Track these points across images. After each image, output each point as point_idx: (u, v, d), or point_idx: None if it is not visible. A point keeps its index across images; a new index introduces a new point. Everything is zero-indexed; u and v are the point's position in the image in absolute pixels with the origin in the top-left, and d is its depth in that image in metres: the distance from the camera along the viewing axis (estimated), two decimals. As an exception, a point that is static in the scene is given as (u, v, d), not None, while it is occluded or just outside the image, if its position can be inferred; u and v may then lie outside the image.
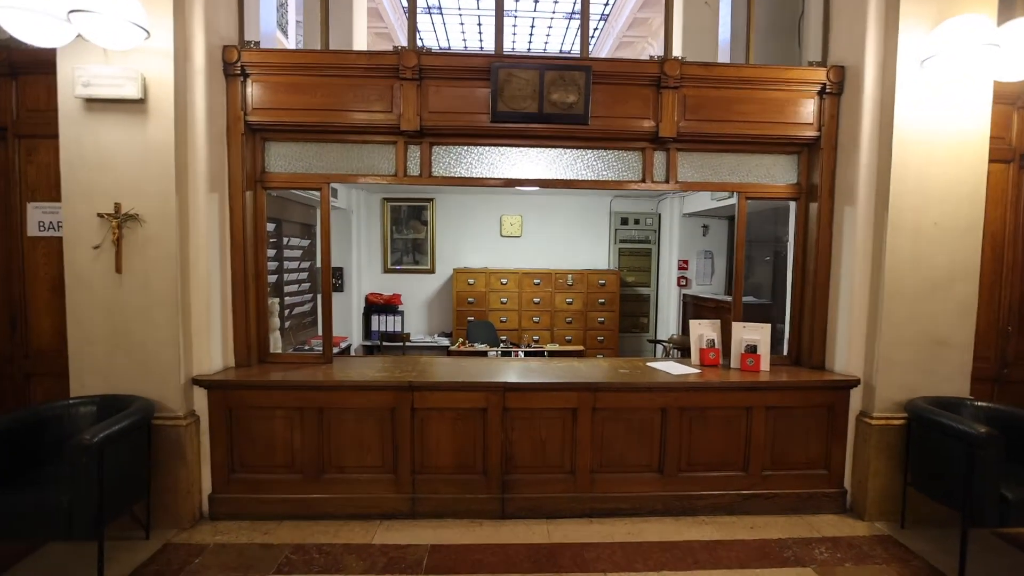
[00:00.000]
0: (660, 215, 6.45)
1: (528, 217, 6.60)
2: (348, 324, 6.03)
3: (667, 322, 6.30)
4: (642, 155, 3.12)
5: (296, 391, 2.66)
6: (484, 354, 4.07)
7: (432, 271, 6.62)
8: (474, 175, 3.03)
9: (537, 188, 5.76)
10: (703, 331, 3.31)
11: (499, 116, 2.86)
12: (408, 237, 6.60)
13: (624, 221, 6.46)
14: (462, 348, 4.12)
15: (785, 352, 3.32)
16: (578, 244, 6.63)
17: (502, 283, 6.03)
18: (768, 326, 3.16)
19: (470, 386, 2.71)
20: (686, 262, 6.12)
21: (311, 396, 2.66)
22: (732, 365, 3.18)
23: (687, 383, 2.84)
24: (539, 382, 2.76)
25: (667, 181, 3.14)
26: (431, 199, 6.54)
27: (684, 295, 6.15)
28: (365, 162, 2.97)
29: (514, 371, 2.95)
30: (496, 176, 3.05)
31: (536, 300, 6.04)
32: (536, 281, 6.05)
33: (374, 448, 2.72)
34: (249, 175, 2.86)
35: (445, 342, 6.18)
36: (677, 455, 2.86)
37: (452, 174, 3.02)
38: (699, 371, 3.07)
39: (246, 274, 2.86)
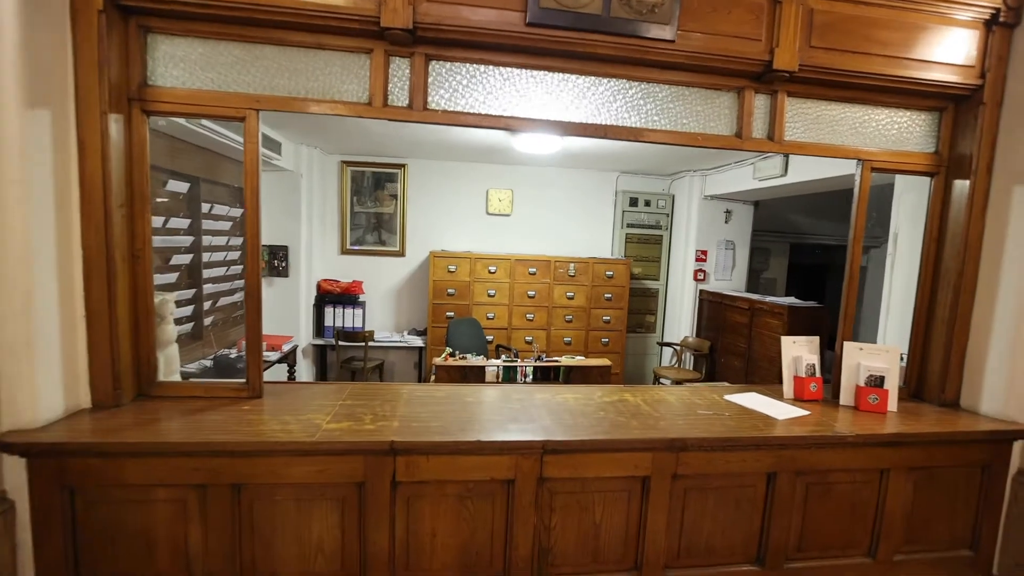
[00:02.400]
0: (674, 196, 5.58)
1: (520, 192, 5.57)
2: (295, 317, 4.85)
3: (678, 321, 5.48)
4: (738, 99, 2.18)
5: (194, 457, 1.57)
6: (481, 372, 3.09)
7: (402, 254, 5.50)
8: (493, 112, 1.99)
9: (534, 156, 4.80)
10: (800, 352, 2.43)
11: (541, 16, 1.82)
12: (373, 211, 5.44)
13: (633, 202, 5.55)
14: (450, 362, 3.11)
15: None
16: (577, 227, 5.67)
17: (490, 271, 5.00)
18: (898, 350, 2.31)
19: (491, 447, 1.71)
20: (705, 253, 5.29)
21: (221, 465, 1.59)
22: (843, 402, 2.33)
23: (810, 437, 1.95)
24: (596, 439, 1.79)
25: (771, 139, 2.21)
26: (402, 164, 5.38)
27: (701, 291, 5.33)
28: (320, 81, 1.89)
29: (545, 412, 1.97)
30: (527, 116, 2.01)
31: (531, 293, 5.06)
32: (531, 270, 5.06)
33: (328, 547, 1.69)
34: (116, 88, 1.71)
35: (418, 342, 5.11)
36: (785, 537, 1.99)
37: (461, 108, 1.97)
38: (807, 412, 2.19)
39: (111, 255, 1.71)
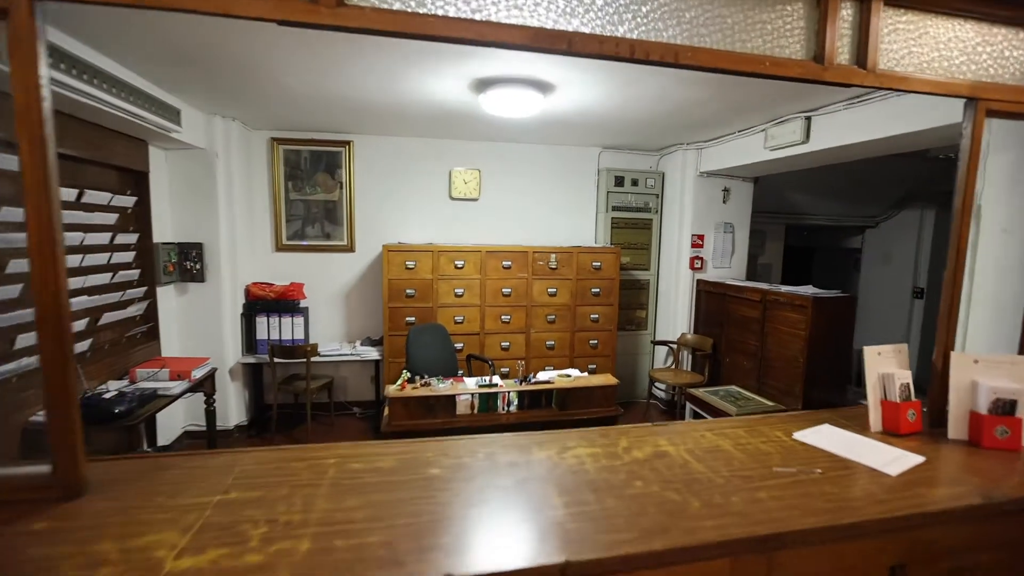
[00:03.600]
0: (664, 174, 4.94)
1: (489, 173, 4.81)
2: (216, 332, 3.96)
3: (672, 316, 4.87)
4: (818, 6, 1.49)
5: None
6: (451, 403, 2.32)
7: (351, 249, 4.66)
8: (454, 12, 1.24)
9: (500, 140, 3.95)
10: (889, 367, 1.80)
11: None
12: (313, 198, 4.57)
13: (618, 181, 4.88)
14: (407, 391, 2.33)
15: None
16: (557, 211, 4.97)
17: (456, 266, 4.24)
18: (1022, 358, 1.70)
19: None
20: (701, 237, 4.68)
21: None
22: (953, 435, 1.72)
23: (955, 510, 1.30)
24: (647, 551, 1.08)
25: (860, 66, 1.54)
26: (346, 141, 4.53)
27: (698, 281, 4.72)
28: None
29: (554, 490, 1.25)
30: (508, 21, 1.27)
31: (506, 291, 4.33)
32: (505, 263, 4.32)
33: None
34: None
35: (374, 354, 4.31)
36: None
37: (402, 5, 1.21)
38: (920, 458, 1.55)
39: None
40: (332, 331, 4.67)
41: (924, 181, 5.32)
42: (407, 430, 2.31)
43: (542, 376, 2.81)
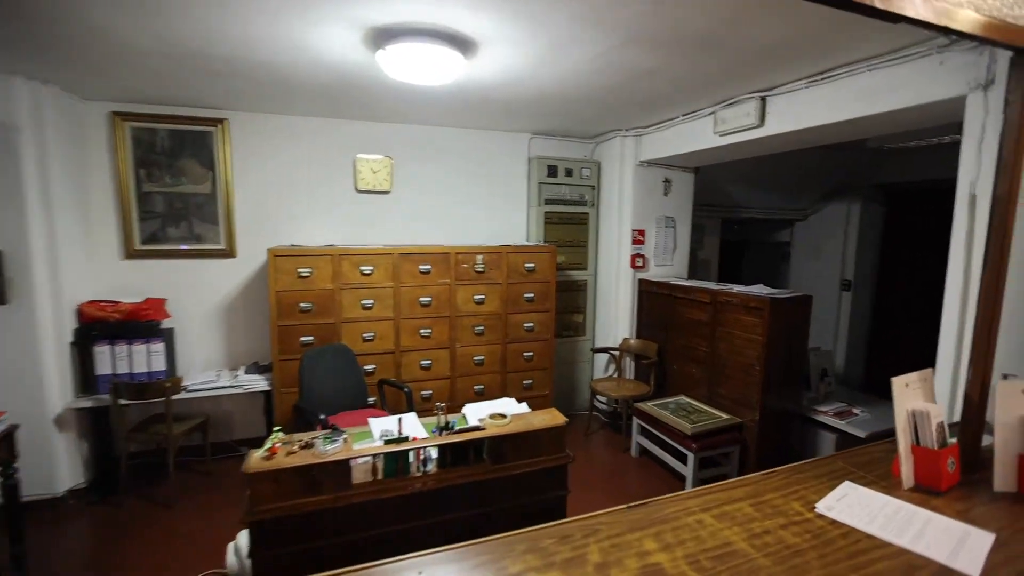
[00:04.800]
0: (600, 164, 4.51)
1: (402, 161, 4.12)
2: (27, 372, 2.98)
3: (613, 320, 4.47)
4: None
5: None
6: (344, 470, 1.64)
7: (230, 253, 3.79)
8: None
9: (415, 121, 3.38)
10: (918, 402, 1.39)
11: None
12: (177, 190, 3.65)
13: (551, 171, 4.38)
14: (278, 461, 1.60)
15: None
16: (484, 206, 4.39)
17: (363, 272, 3.53)
18: (1087, 390, 1.35)
19: None
20: (642, 233, 4.30)
21: None
22: (1000, 486, 1.35)
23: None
24: None
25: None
26: (220, 119, 3.65)
27: (640, 281, 4.35)
28: None
29: None
30: None
31: (425, 300, 3.68)
32: (424, 267, 3.67)
33: None
34: None
35: (262, 384, 3.49)
36: None
37: None
38: (990, 535, 1.15)
39: None
40: (208, 357, 3.77)
41: (853, 173, 5.33)
42: (281, 514, 1.63)
43: (470, 412, 2.22)
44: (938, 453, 1.33)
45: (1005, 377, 1.68)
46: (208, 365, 3.75)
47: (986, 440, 1.47)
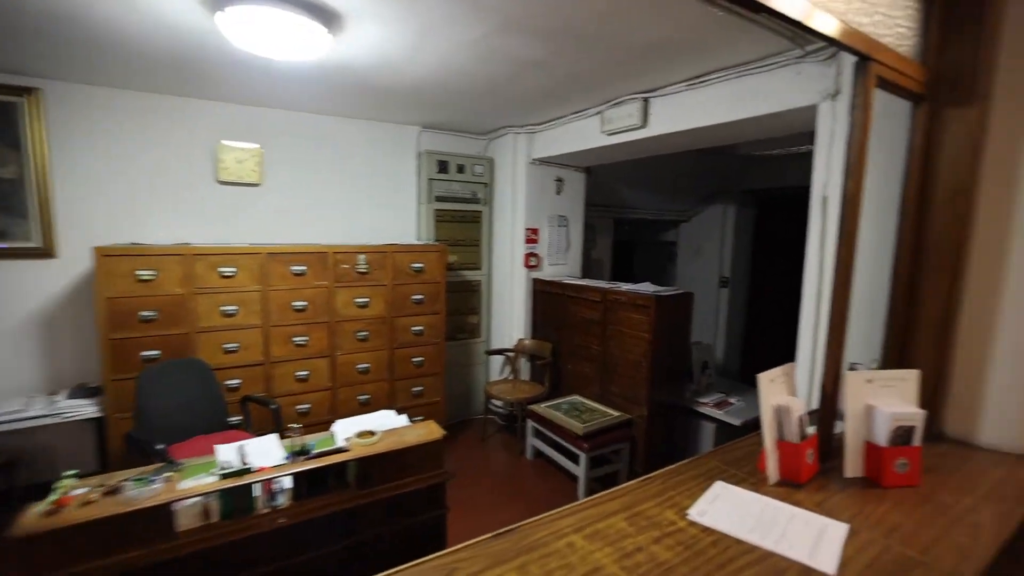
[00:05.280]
0: (493, 160, 4.41)
1: (274, 150, 3.71)
2: None
3: (508, 320, 4.40)
4: None
5: None
6: (165, 518, 1.31)
7: (47, 253, 3.14)
8: None
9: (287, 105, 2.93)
10: (782, 397, 1.41)
11: None
12: (-36, 174, 2.94)
13: (442, 167, 4.19)
14: (65, 517, 1.22)
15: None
16: (367, 202, 4.09)
17: (223, 275, 3.09)
18: (914, 374, 1.45)
19: None
20: (536, 231, 4.27)
21: None
22: (850, 472, 1.41)
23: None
24: None
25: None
26: (29, 89, 3.00)
27: (535, 280, 4.31)
28: None
29: None
30: None
31: (299, 305, 3.31)
32: (297, 269, 3.30)
33: None
34: None
35: (88, 411, 2.91)
36: None
37: None
38: (844, 525, 1.17)
39: None
40: (17, 381, 3.09)
41: (727, 179, 5.76)
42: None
43: (340, 430, 1.97)
44: (799, 446, 1.36)
45: (852, 367, 1.80)
46: (17, 390, 3.07)
47: (841, 428, 1.54)
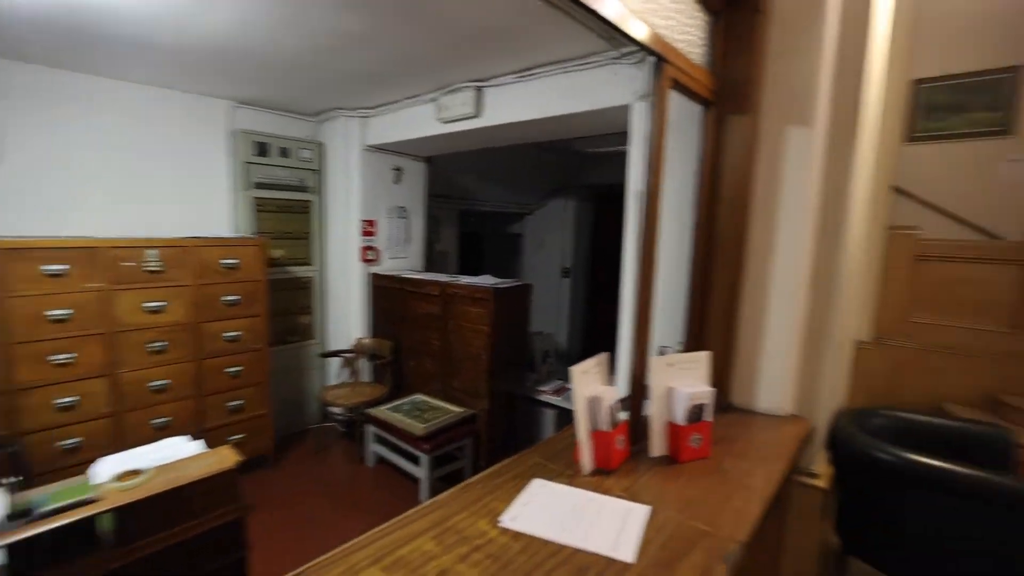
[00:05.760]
0: (324, 145, 4.02)
1: (21, 116, 2.89)
2: None
3: (345, 319, 4.08)
4: None
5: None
6: None
7: None
8: None
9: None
10: (595, 388, 1.45)
11: None
12: None
13: (262, 149, 3.69)
14: None
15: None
16: (161, 187, 3.43)
17: (-69, 277, 2.31)
18: (705, 356, 1.59)
19: None
20: (373, 223, 4.01)
21: None
22: (656, 451, 1.50)
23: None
24: None
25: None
26: None
27: (373, 275, 4.06)
28: None
29: None
30: None
31: (57, 314, 2.63)
32: (52, 269, 2.61)
33: None
34: None
35: None
36: None
37: None
38: (646, 507, 1.22)
39: None
40: None
41: (567, 174, 6.08)
42: None
43: (106, 470, 1.57)
44: (610, 434, 1.40)
45: (663, 351, 1.95)
46: None
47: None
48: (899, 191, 5.07)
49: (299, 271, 4.00)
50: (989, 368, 4.16)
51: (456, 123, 3.17)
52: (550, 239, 6.51)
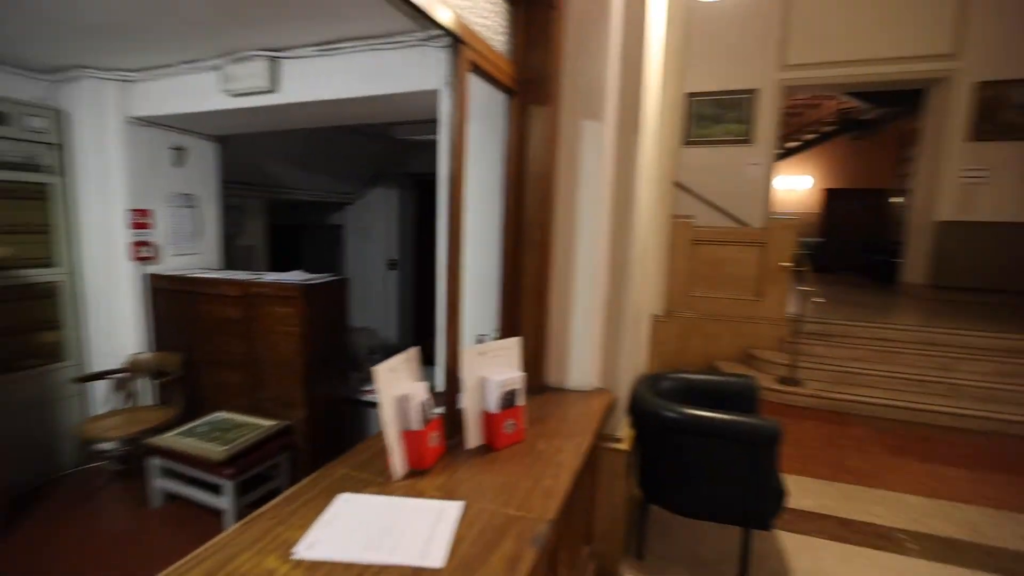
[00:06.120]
0: (65, 113, 3.18)
1: None
2: None
3: (112, 332, 3.33)
4: None
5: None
6: None
7: None
8: None
9: None
10: (404, 385, 1.38)
11: None
12: None
13: (-40, 112, 2.75)
14: None
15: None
16: None
17: None
18: (516, 343, 1.61)
19: None
20: (146, 214, 3.31)
21: None
22: (472, 443, 1.49)
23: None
24: None
25: None
26: None
27: (151, 276, 3.37)
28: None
29: None
30: None
31: None
32: None
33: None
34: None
35: None
36: None
37: None
38: (458, 503, 1.18)
39: None
40: None
41: (390, 162, 5.84)
42: None
43: None
44: (421, 433, 1.34)
45: (480, 339, 1.95)
46: None
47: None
48: (679, 186, 5.97)
49: (36, 275, 3.11)
50: (744, 329, 5.18)
51: (248, 97, 2.76)
52: (375, 230, 6.23)
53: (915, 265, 6.61)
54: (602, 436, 2.00)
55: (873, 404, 4.15)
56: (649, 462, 2.18)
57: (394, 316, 6.16)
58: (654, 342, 3.48)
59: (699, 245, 5.25)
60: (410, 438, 1.33)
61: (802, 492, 2.88)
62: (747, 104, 6.84)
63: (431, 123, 3.36)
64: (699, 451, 2.00)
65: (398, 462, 1.30)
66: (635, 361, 2.44)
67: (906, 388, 4.30)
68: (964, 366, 4.35)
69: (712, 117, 7.13)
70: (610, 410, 1.98)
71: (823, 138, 11.00)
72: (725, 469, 2.00)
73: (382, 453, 1.42)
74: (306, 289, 2.87)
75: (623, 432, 2.12)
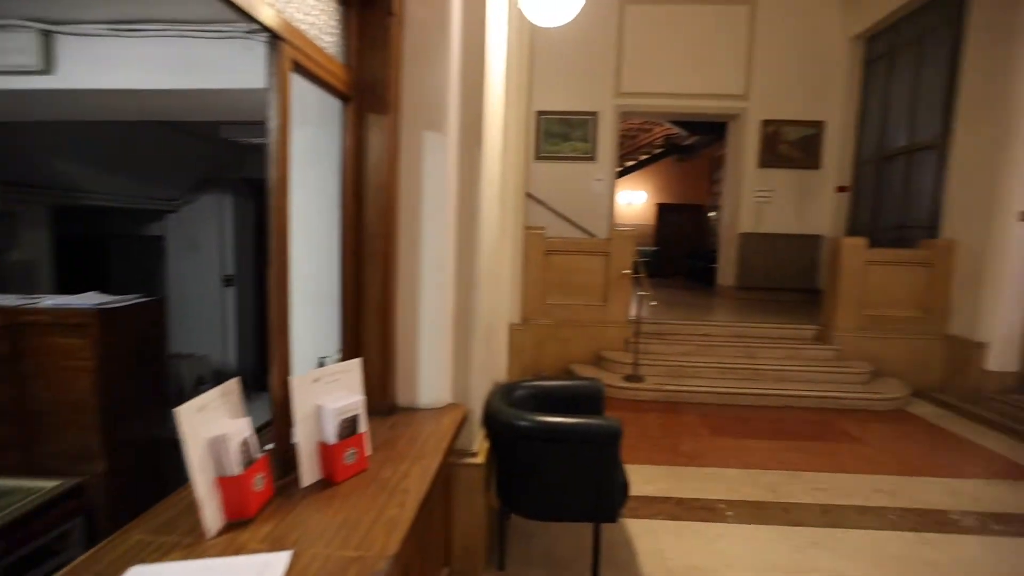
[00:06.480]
0: None
1: None
2: None
3: None
4: None
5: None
6: None
7: None
8: None
9: None
10: (220, 424, 1.20)
11: None
12: None
13: None
14: None
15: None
16: None
17: None
18: (357, 364, 1.51)
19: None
20: None
21: None
22: (308, 480, 1.36)
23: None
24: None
25: None
26: None
27: None
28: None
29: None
30: None
31: None
32: None
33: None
34: None
35: None
36: None
37: None
38: (285, 556, 1.04)
39: None
40: None
41: (220, 165, 5.20)
42: None
43: None
44: (242, 477, 1.16)
45: (322, 363, 1.79)
46: None
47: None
48: (531, 197, 6.24)
49: None
50: (595, 333, 5.58)
51: (11, 77, 2.23)
52: (206, 242, 5.49)
53: (727, 270, 7.78)
54: (456, 452, 1.96)
55: (700, 392, 4.75)
56: (505, 471, 2.20)
57: (232, 339, 5.48)
58: (513, 350, 3.57)
59: (552, 255, 5.55)
60: (227, 485, 1.15)
61: (644, 479, 3.16)
62: (591, 124, 7.47)
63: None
64: (550, 456, 2.07)
65: (210, 516, 1.11)
66: (491, 373, 2.46)
67: (723, 376, 4.99)
68: (763, 353, 5.20)
69: (560, 135, 7.65)
70: (463, 425, 1.96)
71: (654, 158, 12.49)
72: (575, 470, 2.09)
73: (194, 507, 1.21)
74: (103, 315, 2.38)
75: (478, 446, 2.11)
